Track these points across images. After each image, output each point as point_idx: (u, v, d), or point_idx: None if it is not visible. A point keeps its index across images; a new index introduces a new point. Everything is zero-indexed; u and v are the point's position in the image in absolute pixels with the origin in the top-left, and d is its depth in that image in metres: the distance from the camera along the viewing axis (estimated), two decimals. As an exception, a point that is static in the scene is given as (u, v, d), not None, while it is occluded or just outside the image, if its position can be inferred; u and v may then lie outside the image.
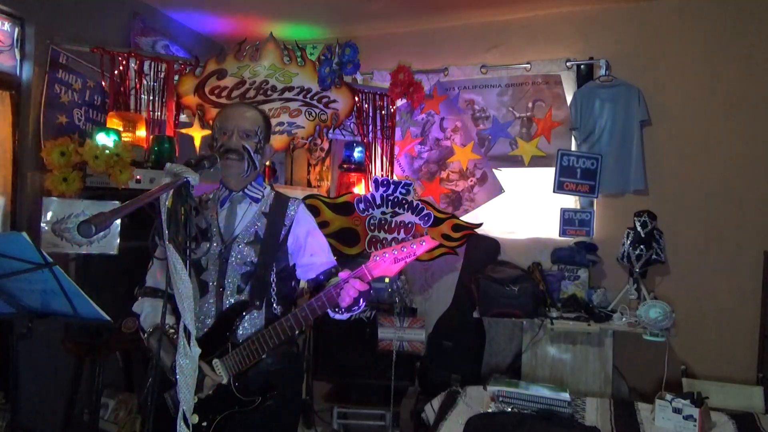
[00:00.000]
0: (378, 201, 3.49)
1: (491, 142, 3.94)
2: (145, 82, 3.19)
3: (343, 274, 1.61)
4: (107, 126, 3.01)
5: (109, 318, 1.75)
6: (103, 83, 3.16)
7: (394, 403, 3.28)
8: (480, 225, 3.65)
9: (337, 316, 1.72)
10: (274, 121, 3.35)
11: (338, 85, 3.42)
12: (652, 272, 3.40)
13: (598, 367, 3.20)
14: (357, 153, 3.78)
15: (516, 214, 3.87)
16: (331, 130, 3.56)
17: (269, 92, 3.34)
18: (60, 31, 3.06)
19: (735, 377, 3.17)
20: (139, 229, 2.60)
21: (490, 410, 2.55)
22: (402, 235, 3.51)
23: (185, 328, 1.37)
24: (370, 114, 3.67)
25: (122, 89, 3.14)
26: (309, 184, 4.46)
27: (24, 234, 1.51)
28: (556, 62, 3.72)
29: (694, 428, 2.35)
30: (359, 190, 3.71)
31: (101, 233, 1.20)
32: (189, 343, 1.38)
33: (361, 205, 3.49)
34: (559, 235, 3.59)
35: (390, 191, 3.49)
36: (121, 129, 2.98)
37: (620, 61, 3.59)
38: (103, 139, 2.77)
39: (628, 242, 3.32)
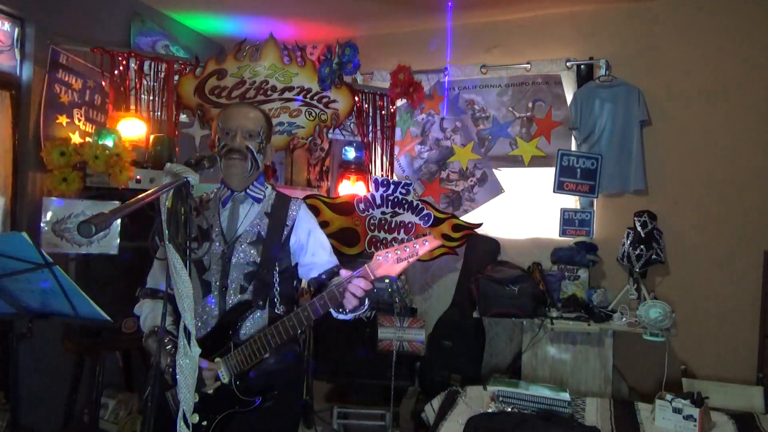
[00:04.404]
0: (378, 201, 3.49)
1: (491, 142, 3.94)
2: (145, 82, 3.19)
3: (345, 274, 1.61)
4: (107, 126, 3.01)
5: (109, 318, 1.76)
6: (103, 83, 3.16)
7: (394, 403, 3.28)
8: (480, 225, 3.65)
9: (341, 316, 1.71)
10: (274, 121, 3.34)
11: (338, 85, 3.42)
12: (652, 272, 3.41)
13: (598, 367, 3.20)
14: (354, 152, 3.80)
15: (516, 214, 3.87)
16: (331, 130, 3.56)
17: (269, 92, 3.33)
18: (60, 31, 3.06)
19: (735, 377, 3.17)
20: (139, 229, 2.62)
21: (490, 410, 2.55)
22: (402, 235, 3.51)
23: (185, 328, 1.37)
24: (370, 114, 3.67)
25: (122, 89, 3.14)
26: (309, 184, 4.46)
27: (24, 234, 1.51)
28: (556, 62, 3.72)
29: (694, 428, 2.36)
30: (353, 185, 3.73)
31: (101, 233, 1.19)
32: (189, 343, 1.38)
33: (361, 205, 3.49)
34: (559, 235, 3.59)
35: (390, 191, 3.49)
36: (121, 129, 2.98)
37: (620, 61, 3.59)
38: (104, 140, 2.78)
39: (628, 242, 3.32)
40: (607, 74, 3.59)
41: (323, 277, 1.81)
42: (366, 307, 1.67)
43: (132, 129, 3.05)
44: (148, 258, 1.79)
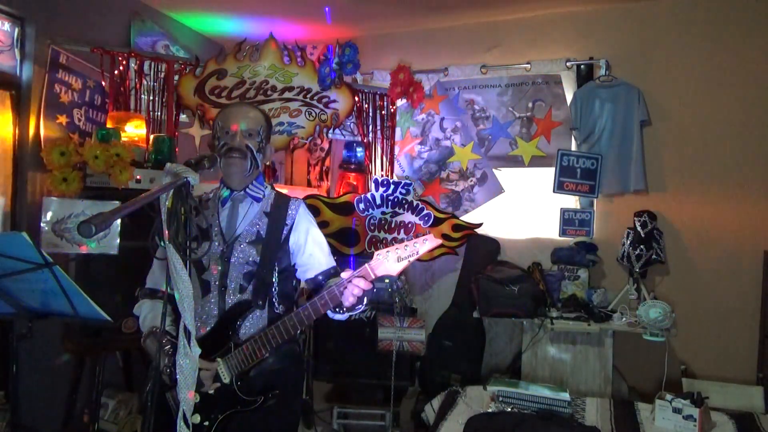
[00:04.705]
0: (378, 201, 3.49)
1: (491, 142, 3.94)
2: (145, 82, 3.19)
3: (346, 273, 1.60)
4: (107, 126, 3.01)
5: (109, 318, 1.76)
6: (103, 83, 3.16)
7: (394, 403, 3.28)
8: (480, 225, 3.65)
9: (337, 317, 1.71)
10: (274, 121, 3.35)
11: (338, 85, 3.42)
12: (652, 272, 3.41)
13: (598, 367, 3.20)
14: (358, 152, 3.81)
15: (516, 214, 3.87)
16: (331, 130, 3.56)
17: (269, 92, 3.34)
18: (60, 31, 3.06)
19: (735, 377, 3.17)
20: (139, 229, 2.62)
21: (490, 410, 2.55)
22: (402, 235, 3.51)
23: (185, 328, 1.37)
24: (370, 114, 3.67)
25: (122, 89, 3.14)
26: (309, 184, 4.46)
27: (24, 234, 1.51)
28: (556, 62, 3.72)
29: (694, 428, 2.36)
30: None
31: (101, 233, 1.20)
32: (189, 343, 1.38)
33: (361, 205, 3.49)
34: (559, 235, 3.59)
35: (390, 191, 3.49)
36: (121, 129, 2.98)
37: (620, 61, 3.59)
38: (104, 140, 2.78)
39: (628, 242, 3.32)
40: (607, 74, 3.59)
41: (320, 278, 1.80)
42: (363, 307, 1.68)
43: (132, 129, 3.05)
44: (148, 258, 1.79)
